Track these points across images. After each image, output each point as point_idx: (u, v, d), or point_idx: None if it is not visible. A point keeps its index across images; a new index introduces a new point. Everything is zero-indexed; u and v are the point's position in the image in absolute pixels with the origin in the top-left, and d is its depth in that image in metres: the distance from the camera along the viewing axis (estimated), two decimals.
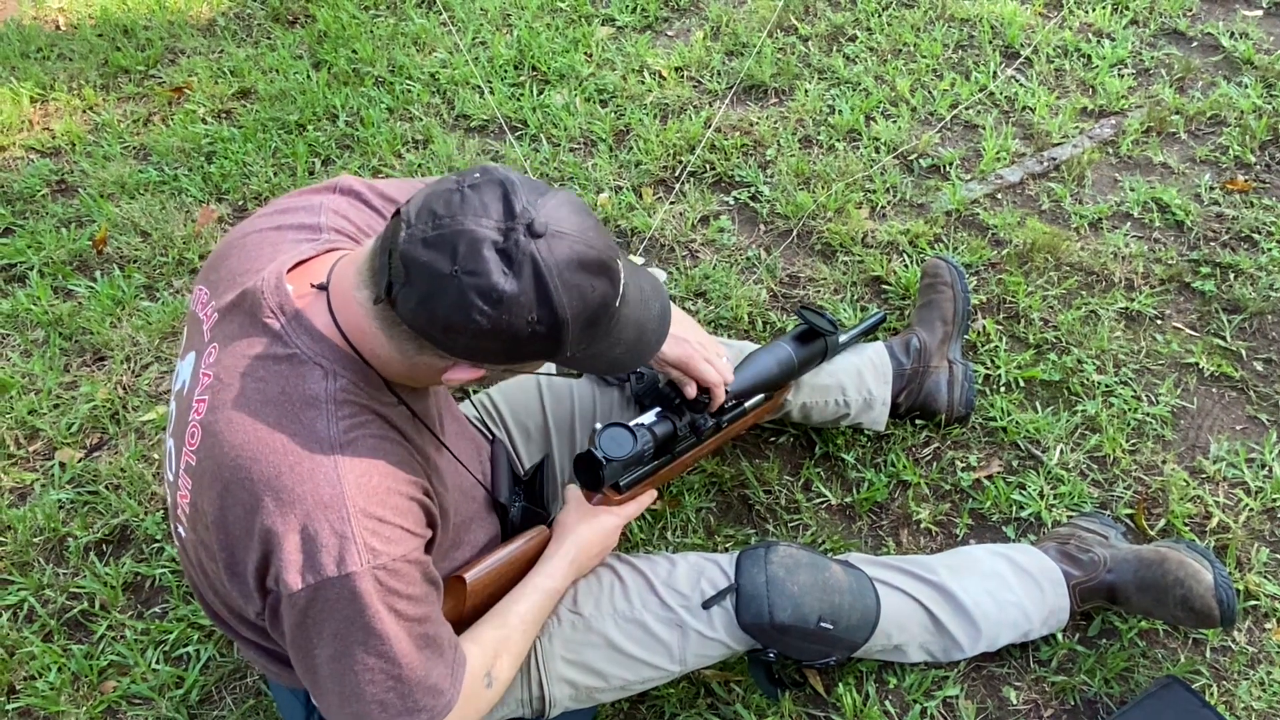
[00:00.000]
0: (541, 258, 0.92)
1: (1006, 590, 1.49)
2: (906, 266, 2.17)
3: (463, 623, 1.20)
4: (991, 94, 2.64)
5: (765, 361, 1.59)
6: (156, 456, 1.94)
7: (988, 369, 1.96)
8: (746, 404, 1.59)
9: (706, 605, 1.38)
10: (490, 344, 0.95)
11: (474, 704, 1.11)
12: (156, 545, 1.79)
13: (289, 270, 1.07)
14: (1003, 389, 1.93)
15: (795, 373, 1.64)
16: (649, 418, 1.43)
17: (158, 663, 1.63)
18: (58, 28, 3.33)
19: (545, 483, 1.38)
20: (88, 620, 1.71)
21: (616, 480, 1.41)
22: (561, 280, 0.94)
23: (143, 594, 1.74)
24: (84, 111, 2.90)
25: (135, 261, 2.37)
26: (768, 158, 2.50)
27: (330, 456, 0.98)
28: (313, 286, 1.05)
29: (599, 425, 1.36)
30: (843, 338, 1.75)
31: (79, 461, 1.94)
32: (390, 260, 0.94)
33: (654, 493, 1.48)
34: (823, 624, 1.37)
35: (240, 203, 2.53)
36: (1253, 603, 1.59)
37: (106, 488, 1.89)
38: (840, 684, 1.52)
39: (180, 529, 1.13)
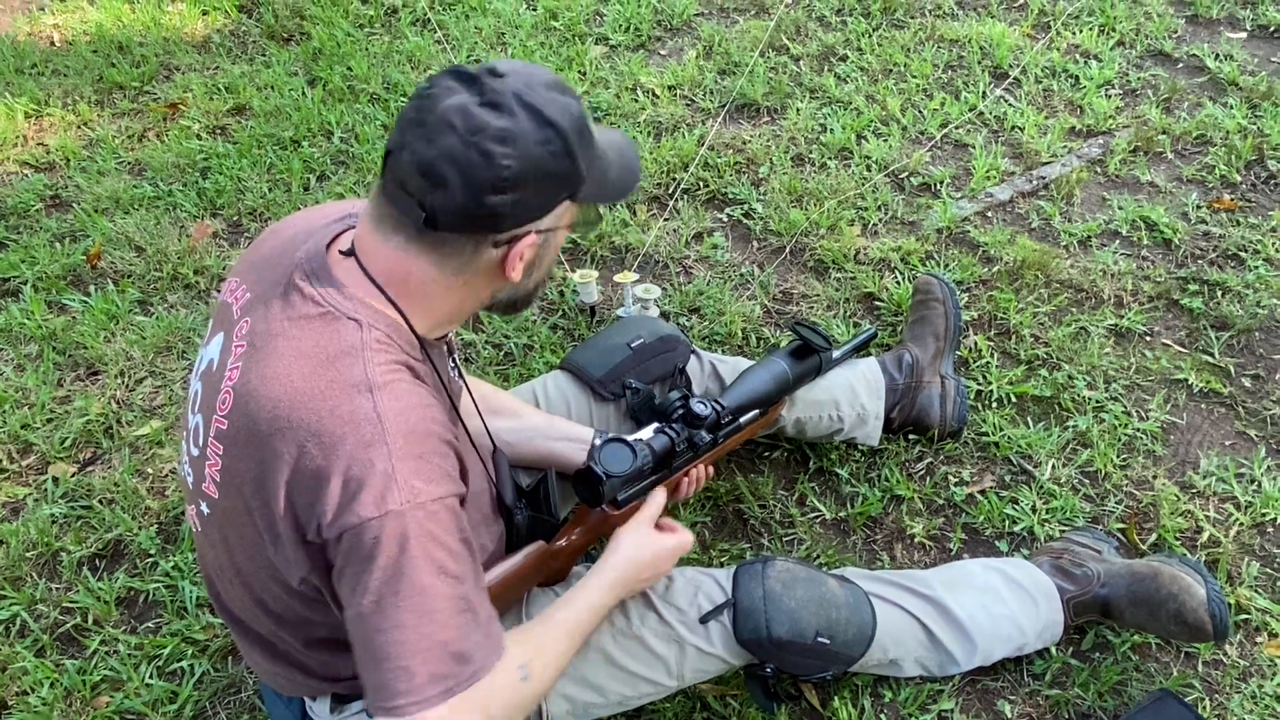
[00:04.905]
0: (518, 90, 1.00)
1: (1001, 604, 1.50)
2: (898, 283, 2.19)
3: None
4: (981, 113, 2.67)
5: (761, 377, 1.61)
6: (151, 471, 1.94)
7: (979, 384, 1.97)
8: (742, 419, 1.60)
9: (704, 620, 1.38)
10: (529, 185, 1.01)
11: (505, 693, 1.06)
12: (150, 560, 1.79)
13: (326, 246, 1.11)
14: (994, 404, 1.95)
15: (790, 388, 1.65)
16: (647, 433, 1.43)
17: (151, 678, 1.62)
18: (53, 44, 3.34)
19: (551, 492, 1.38)
20: (81, 635, 1.70)
21: (615, 495, 1.41)
22: (543, 99, 1.01)
23: (136, 609, 1.74)
24: (79, 127, 2.90)
25: (129, 276, 2.37)
26: (760, 175, 2.53)
27: (369, 397, 0.99)
28: (341, 254, 1.08)
29: (598, 440, 1.37)
30: (837, 354, 1.77)
31: (72, 476, 1.93)
32: (407, 185, 1.00)
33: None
34: (820, 638, 1.38)
35: (235, 218, 2.53)
36: (1244, 616, 1.60)
37: (100, 502, 1.88)
38: (836, 698, 1.53)
39: (203, 505, 1.13)
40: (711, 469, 1.57)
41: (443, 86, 1.00)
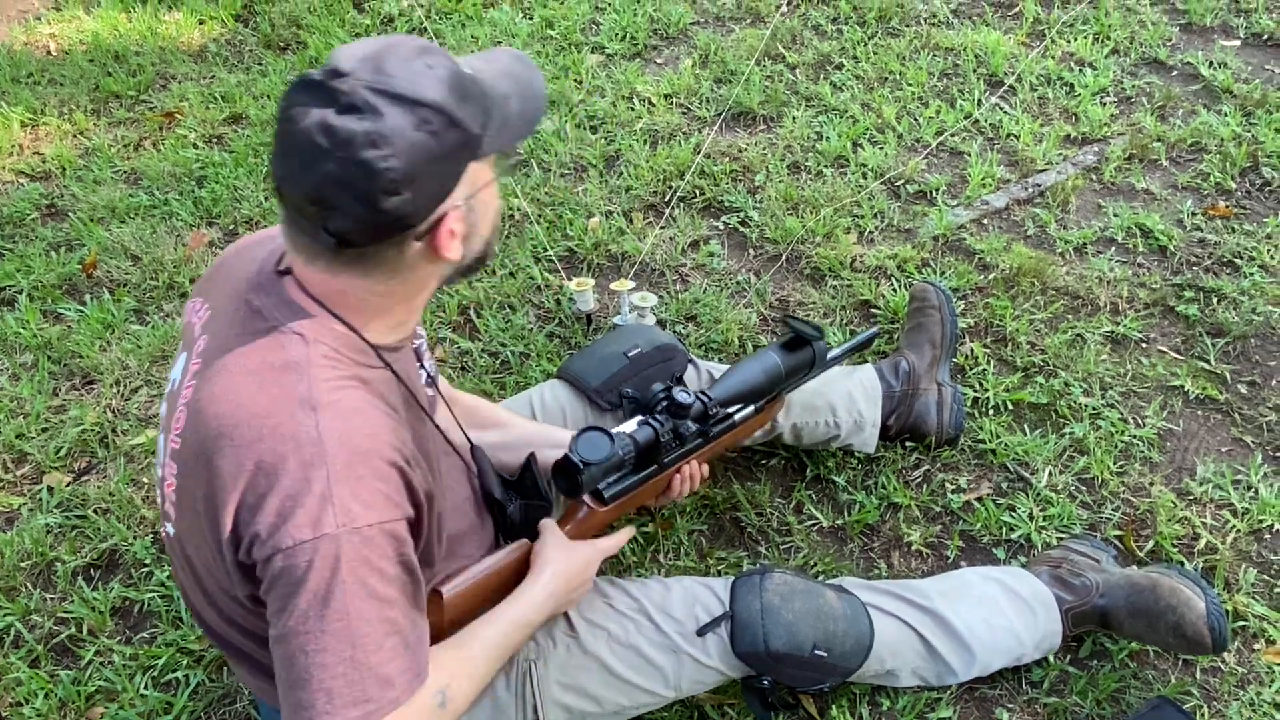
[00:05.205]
0: (370, 81, 0.93)
1: (999, 615, 1.50)
2: (895, 290, 2.19)
3: (441, 639, 1.16)
4: (976, 121, 2.68)
5: (750, 368, 1.55)
6: (146, 480, 1.93)
7: (976, 392, 1.97)
8: (736, 416, 1.56)
9: (701, 633, 1.37)
10: (422, 173, 0.96)
11: (425, 718, 1.05)
12: (145, 569, 1.78)
13: (277, 262, 1.08)
14: (991, 411, 1.95)
15: (783, 381, 1.59)
16: (631, 425, 1.39)
17: (146, 688, 1.61)
18: (49, 53, 3.34)
19: (536, 475, 1.36)
20: (75, 645, 1.69)
21: (600, 490, 1.37)
22: (403, 80, 0.94)
23: (131, 619, 1.73)
24: (75, 136, 2.90)
25: (125, 285, 2.37)
26: (757, 183, 2.53)
27: (311, 415, 0.97)
28: (277, 273, 1.06)
29: (575, 431, 1.33)
30: (836, 351, 1.73)
31: (67, 485, 1.93)
32: (304, 214, 0.96)
33: (631, 530, 1.45)
34: (817, 651, 1.37)
35: (231, 227, 2.53)
36: (1241, 623, 1.60)
37: (95, 512, 1.87)
38: (834, 706, 1.52)
39: (169, 526, 1.12)
40: (706, 468, 1.54)
41: (297, 105, 0.94)
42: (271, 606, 0.98)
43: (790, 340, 1.60)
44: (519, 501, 1.34)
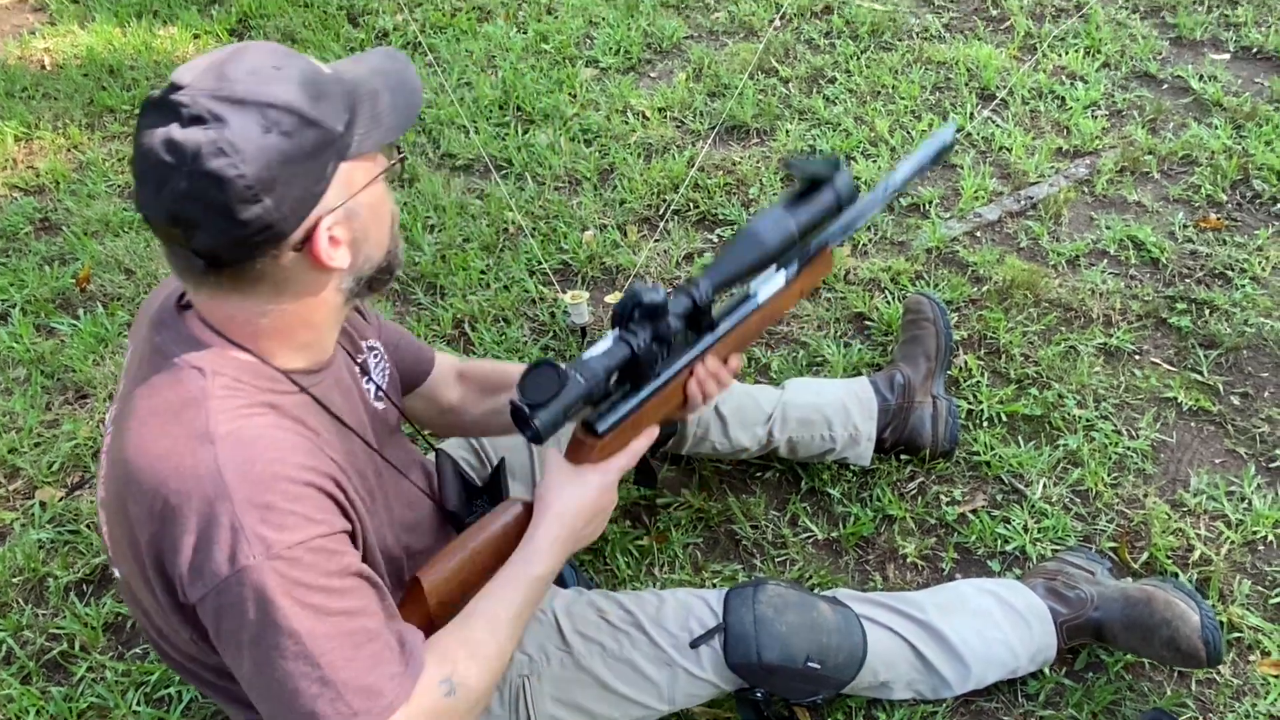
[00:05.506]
0: (212, 88, 0.90)
1: (994, 629, 1.49)
2: (889, 303, 2.20)
3: (434, 628, 1.10)
4: (969, 134, 2.69)
5: (751, 236, 1.23)
6: None
7: (970, 404, 1.98)
8: (761, 296, 1.30)
9: (694, 645, 1.37)
10: (280, 178, 0.91)
11: (434, 713, 1.01)
12: None
13: (178, 297, 1.07)
14: (985, 424, 1.95)
15: (798, 239, 1.26)
16: (599, 347, 1.16)
17: (139, 705, 1.61)
18: (43, 67, 3.34)
19: (502, 483, 1.33)
20: (67, 661, 1.68)
21: (590, 422, 1.19)
22: (248, 84, 0.91)
23: (123, 634, 1.72)
24: (69, 150, 2.90)
25: (119, 299, 2.37)
26: (750, 196, 2.54)
27: (210, 450, 0.94)
28: (179, 308, 1.05)
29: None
30: (907, 167, 1.37)
31: (60, 500, 1.92)
32: (171, 239, 0.94)
33: (653, 431, 1.25)
34: (810, 663, 1.37)
35: None
36: (1236, 634, 1.60)
37: (88, 527, 1.87)
38: (828, 718, 1.52)
39: (115, 570, 1.10)
40: (736, 360, 1.30)
41: (145, 127, 0.91)
42: (227, 653, 0.97)
43: (802, 189, 1.26)
44: (484, 509, 1.31)
